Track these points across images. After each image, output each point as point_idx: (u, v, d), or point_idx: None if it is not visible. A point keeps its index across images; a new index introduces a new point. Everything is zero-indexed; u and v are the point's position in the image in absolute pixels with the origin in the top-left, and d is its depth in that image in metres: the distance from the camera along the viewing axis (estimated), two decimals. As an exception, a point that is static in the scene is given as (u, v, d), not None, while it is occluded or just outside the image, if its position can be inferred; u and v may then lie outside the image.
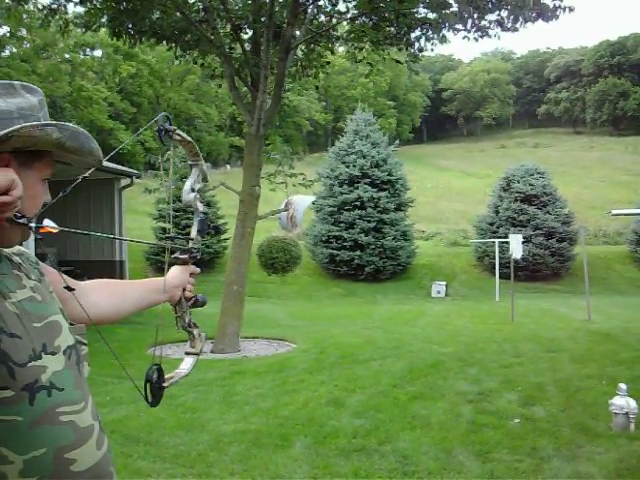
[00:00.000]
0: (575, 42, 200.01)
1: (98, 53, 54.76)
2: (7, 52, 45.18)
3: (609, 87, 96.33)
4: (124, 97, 55.29)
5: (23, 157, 1.41)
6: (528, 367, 9.23)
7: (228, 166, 57.70)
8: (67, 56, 48.49)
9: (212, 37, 11.37)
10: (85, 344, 1.65)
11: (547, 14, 9.59)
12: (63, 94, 46.39)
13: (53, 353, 1.44)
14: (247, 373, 9.15)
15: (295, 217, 33.98)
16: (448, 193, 45.96)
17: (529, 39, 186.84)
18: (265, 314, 16.69)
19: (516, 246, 14.70)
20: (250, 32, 11.96)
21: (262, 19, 11.35)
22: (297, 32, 11.88)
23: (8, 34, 45.31)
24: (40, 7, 12.71)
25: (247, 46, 11.87)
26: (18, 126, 1.33)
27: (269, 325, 14.43)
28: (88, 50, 53.96)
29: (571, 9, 9.61)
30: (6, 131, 1.31)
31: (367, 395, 7.64)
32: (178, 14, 11.27)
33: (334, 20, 12.42)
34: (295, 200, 33.44)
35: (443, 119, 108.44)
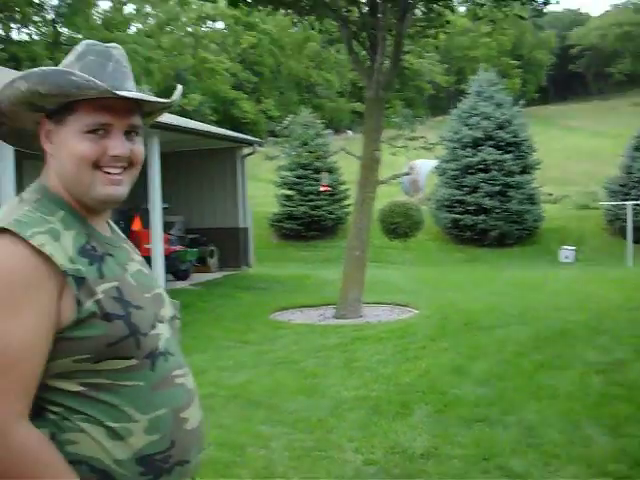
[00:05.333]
0: None
1: (220, 25, 55.75)
2: (134, 29, 46.69)
3: None
4: (246, 67, 56.07)
5: (56, 116, 1.43)
6: (665, 336, 8.73)
7: (350, 132, 57.56)
8: (189, 29, 49.58)
9: (328, 0, 11.23)
10: (179, 318, 1.71)
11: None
12: (187, 66, 47.54)
13: (161, 321, 1.53)
14: (368, 339, 9.10)
15: (418, 181, 33.75)
16: (577, 154, 44.10)
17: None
18: (387, 280, 16.57)
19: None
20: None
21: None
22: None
23: (134, 12, 46.84)
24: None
25: (364, 8, 11.66)
26: None
27: (391, 291, 14.32)
28: (210, 22, 54.99)
29: None
30: None
31: (490, 363, 7.44)
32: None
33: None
34: (418, 164, 33.27)
35: (571, 77, 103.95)
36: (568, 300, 12.34)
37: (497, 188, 23.91)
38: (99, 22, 43.60)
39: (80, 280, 1.34)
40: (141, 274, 1.55)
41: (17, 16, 39.67)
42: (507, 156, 24.19)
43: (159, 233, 14.58)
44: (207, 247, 17.79)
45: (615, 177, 26.57)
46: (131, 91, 1.46)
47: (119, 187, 1.47)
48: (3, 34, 41.44)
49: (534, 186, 25.30)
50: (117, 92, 1.39)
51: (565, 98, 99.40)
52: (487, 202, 23.81)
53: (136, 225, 15.61)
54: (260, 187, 31.21)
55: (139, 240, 15.32)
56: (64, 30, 43.70)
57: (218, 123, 44.73)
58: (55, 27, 43.02)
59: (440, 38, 13.57)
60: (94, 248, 1.43)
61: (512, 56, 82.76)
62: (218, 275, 17.02)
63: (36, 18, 42.40)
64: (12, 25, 41.25)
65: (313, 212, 25.06)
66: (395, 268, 20.83)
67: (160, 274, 14.47)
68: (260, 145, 18.49)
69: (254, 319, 11.13)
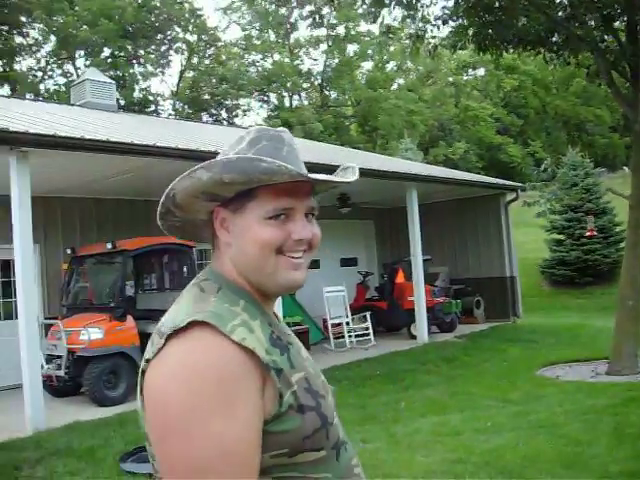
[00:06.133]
0: None
1: (480, 72, 55.50)
2: (395, 85, 47.95)
3: None
4: (510, 111, 55.08)
5: (234, 203, 1.40)
6: None
7: (626, 168, 53.95)
8: (450, 79, 49.86)
9: (581, 33, 10.54)
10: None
11: None
12: (450, 116, 47.72)
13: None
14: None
15: None
16: None
17: None
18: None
19: None
20: (624, 19, 10.81)
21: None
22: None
23: (395, 68, 48.20)
24: (407, 35, 13.03)
25: (622, 36, 10.80)
26: (168, 188, 1.40)
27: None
28: (471, 70, 54.95)
29: None
30: (162, 201, 1.42)
31: None
32: (542, 17, 10.67)
33: None
34: None
35: None
36: None
37: None
38: (363, 82, 45.36)
39: (279, 372, 1.29)
40: (311, 361, 1.48)
41: (288, 85, 42.54)
42: None
43: (421, 285, 14.48)
44: (473, 298, 17.35)
45: None
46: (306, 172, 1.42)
47: (302, 271, 1.44)
48: (277, 102, 44.69)
49: None
50: (309, 175, 1.37)
51: None
52: None
53: (400, 278, 15.67)
54: (530, 232, 30.02)
55: (403, 293, 15.36)
56: (331, 93, 46.12)
57: (484, 169, 44.23)
58: (322, 91, 45.49)
59: None
60: (279, 337, 1.38)
61: None
62: (484, 326, 16.48)
63: (305, 85, 45.24)
64: (284, 93, 44.32)
65: (587, 257, 23.47)
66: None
67: (423, 326, 14.33)
68: (523, 190, 17.78)
69: (519, 375, 10.51)
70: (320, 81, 45.54)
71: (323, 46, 45.28)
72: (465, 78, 53.65)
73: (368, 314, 14.39)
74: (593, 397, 8.51)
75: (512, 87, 53.33)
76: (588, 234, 20.69)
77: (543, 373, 10.86)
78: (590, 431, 6.80)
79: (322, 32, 44.55)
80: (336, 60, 44.66)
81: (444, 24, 11.77)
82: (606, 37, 10.87)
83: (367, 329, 14.28)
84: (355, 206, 15.70)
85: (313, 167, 11.41)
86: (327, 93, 46.22)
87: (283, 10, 44.06)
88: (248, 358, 1.25)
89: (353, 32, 44.30)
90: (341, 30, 44.28)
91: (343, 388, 9.93)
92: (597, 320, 17.23)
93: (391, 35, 13.72)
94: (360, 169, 1.54)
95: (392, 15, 16.86)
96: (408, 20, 12.17)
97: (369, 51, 45.75)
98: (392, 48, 45.57)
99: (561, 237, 24.48)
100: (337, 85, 44.54)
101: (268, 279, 1.40)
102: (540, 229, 26.44)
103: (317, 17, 40.93)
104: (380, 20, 13.00)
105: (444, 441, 6.77)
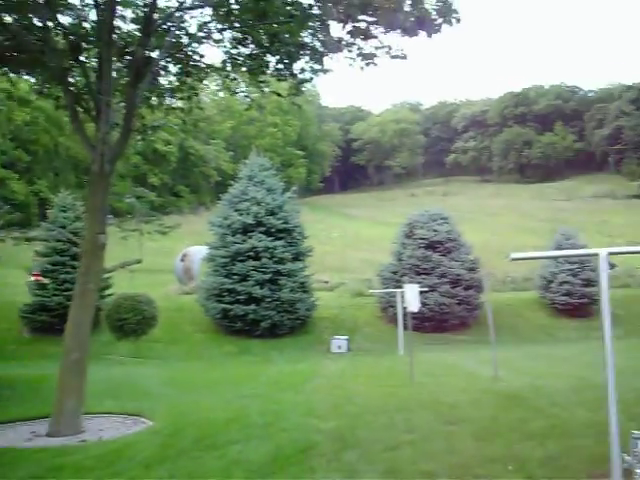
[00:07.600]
0: (481, 93, 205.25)
1: (-9, 100, 52.13)
2: None
3: (514, 136, 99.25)
4: (18, 145, 52.51)
5: None
6: (419, 448, 7.53)
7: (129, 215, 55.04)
8: (-49, 101, 45.78)
9: (45, 59, 9.52)
10: None
11: (428, 24, 8.15)
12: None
13: None
14: (66, 469, 7.16)
15: (191, 269, 32.02)
16: (356, 242, 44.77)
17: (437, 91, 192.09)
18: (137, 381, 14.61)
19: (411, 297, 13.04)
20: (93, 51, 10.15)
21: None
22: (154, 55, 10.22)
23: None
24: None
25: (93, 70, 10.11)
26: None
27: (135, 396, 12.40)
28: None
29: (458, 20, 8.23)
30: None
31: (206, 501, 5.84)
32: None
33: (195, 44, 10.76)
34: (191, 251, 31.75)
35: (354, 169, 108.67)
36: (326, 402, 11.09)
37: (268, 276, 22.80)
38: None
39: None
40: None
41: None
42: (278, 243, 23.27)
43: None
44: None
45: (387, 264, 26.58)
46: None
47: None
48: None
49: (306, 274, 24.50)
50: None
51: (348, 188, 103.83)
52: (258, 291, 22.59)
53: None
54: (18, 275, 28.12)
55: None
56: None
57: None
58: None
59: (191, 111, 12.18)
60: None
61: (297, 146, 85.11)
62: None
63: None
64: None
65: (69, 302, 22.45)
66: (156, 365, 18.87)
67: None
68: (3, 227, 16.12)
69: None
70: None
71: None
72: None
73: None
74: (13, 467, 7.28)
75: (24, 121, 51.01)
76: (33, 279, 20.37)
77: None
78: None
79: None
80: None
81: None
82: (68, 66, 10.00)
83: None
84: None
85: None
86: None
87: None
88: None
89: None
90: None
91: None
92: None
93: None
94: None
95: None
96: None
97: None
98: None
99: (46, 281, 23.15)
100: None
101: None
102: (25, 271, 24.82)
103: None
104: None
105: None
